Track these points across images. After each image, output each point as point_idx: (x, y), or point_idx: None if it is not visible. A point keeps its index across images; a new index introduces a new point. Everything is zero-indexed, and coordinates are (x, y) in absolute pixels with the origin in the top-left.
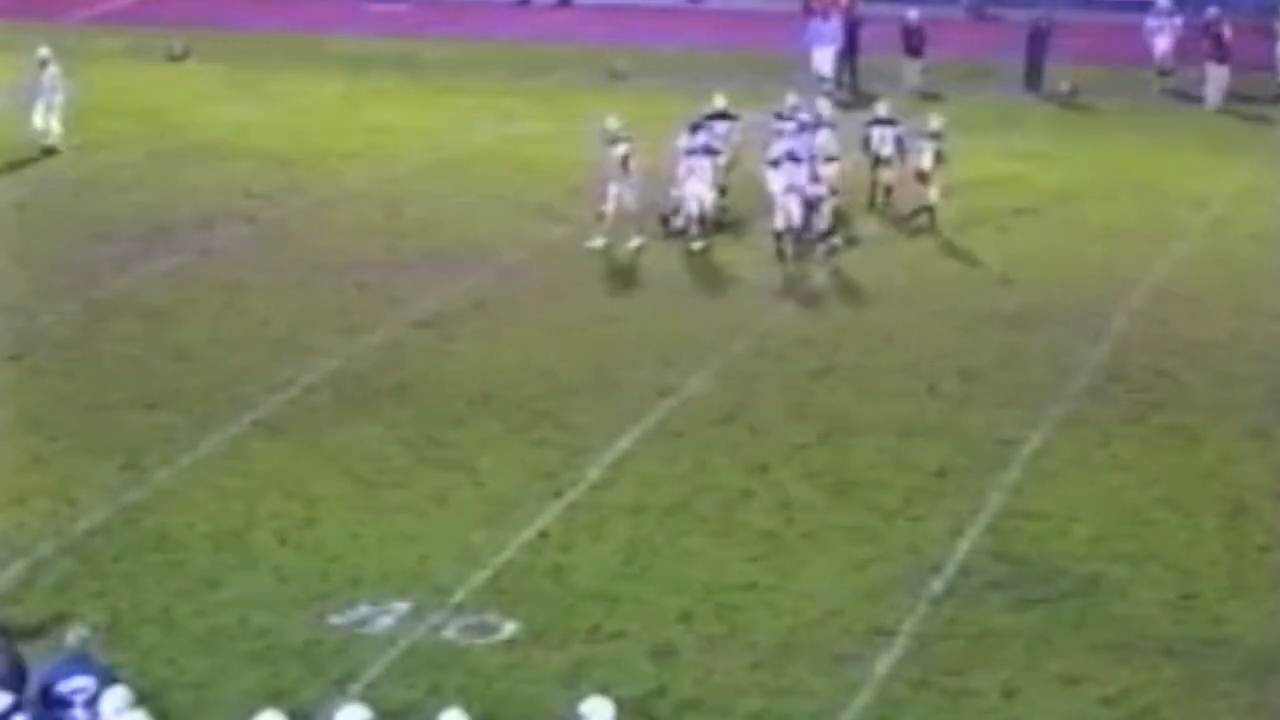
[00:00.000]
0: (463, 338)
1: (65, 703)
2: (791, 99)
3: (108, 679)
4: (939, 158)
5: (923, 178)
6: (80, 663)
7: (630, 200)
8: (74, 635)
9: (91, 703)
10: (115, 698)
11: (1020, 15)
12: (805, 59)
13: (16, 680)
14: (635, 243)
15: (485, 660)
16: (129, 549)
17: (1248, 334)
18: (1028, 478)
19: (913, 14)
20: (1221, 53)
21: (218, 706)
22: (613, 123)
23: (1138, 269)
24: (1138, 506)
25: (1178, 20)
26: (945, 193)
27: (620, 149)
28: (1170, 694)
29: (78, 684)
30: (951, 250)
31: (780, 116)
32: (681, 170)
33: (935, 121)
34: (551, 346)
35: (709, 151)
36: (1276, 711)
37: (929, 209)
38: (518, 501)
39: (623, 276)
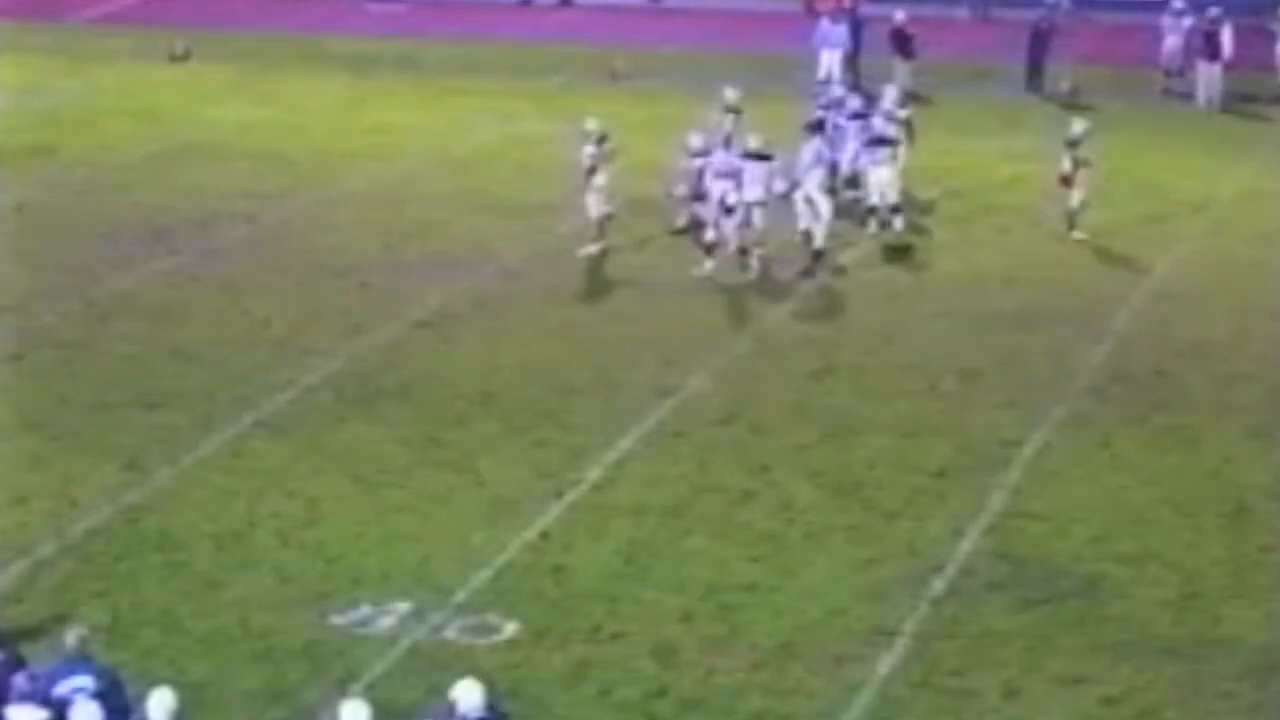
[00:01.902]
0: (464, 338)
1: (66, 703)
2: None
3: (108, 679)
4: (1077, 162)
5: (1066, 181)
6: (80, 663)
7: (592, 204)
8: (73, 635)
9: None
10: (162, 699)
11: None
12: (807, 59)
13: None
14: (590, 249)
15: (486, 660)
16: (130, 549)
17: (1248, 334)
18: (1029, 478)
19: (899, 15)
20: (1213, 51)
21: (218, 707)
22: (590, 124)
23: (1138, 269)
24: (1138, 507)
25: (1187, 21)
26: (1087, 198)
27: (588, 153)
28: (1171, 694)
29: (78, 684)
30: (951, 250)
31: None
32: (696, 167)
33: (1078, 126)
34: (552, 346)
35: (760, 157)
36: (1278, 712)
37: (1074, 211)
38: (519, 501)
39: (623, 277)
